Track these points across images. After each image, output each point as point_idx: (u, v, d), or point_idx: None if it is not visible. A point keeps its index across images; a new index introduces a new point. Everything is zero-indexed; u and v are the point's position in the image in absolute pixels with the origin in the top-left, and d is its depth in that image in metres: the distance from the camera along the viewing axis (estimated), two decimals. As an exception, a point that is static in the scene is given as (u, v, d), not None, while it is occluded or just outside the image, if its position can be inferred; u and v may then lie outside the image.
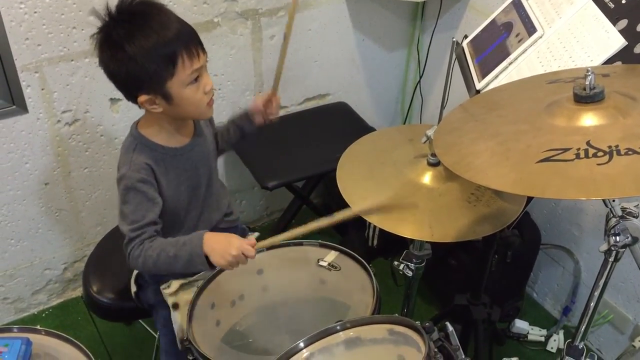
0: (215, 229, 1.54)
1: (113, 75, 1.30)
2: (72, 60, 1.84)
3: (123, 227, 1.33)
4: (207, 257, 1.27)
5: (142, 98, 1.28)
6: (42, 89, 1.84)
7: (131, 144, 1.37)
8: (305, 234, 1.29)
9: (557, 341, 2.12)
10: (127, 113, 2.02)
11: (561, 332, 2.14)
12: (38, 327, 1.30)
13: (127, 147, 1.37)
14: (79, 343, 1.25)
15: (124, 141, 1.40)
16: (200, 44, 1.29)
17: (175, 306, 1.45)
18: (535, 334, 2.13)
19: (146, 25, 1.23)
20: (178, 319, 1.44)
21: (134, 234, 1.31)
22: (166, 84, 1.26)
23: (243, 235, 1.63)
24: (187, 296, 1.45)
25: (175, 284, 1.46)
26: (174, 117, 1.37)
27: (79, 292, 2.27)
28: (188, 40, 1.26)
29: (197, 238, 1.29)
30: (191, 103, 1.31)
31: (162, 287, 1.46)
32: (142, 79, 1.25)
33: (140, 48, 1.22)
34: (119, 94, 1.93)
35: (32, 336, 1.26)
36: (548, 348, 2.11)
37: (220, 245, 1.27)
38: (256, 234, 1.63)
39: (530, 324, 2.13)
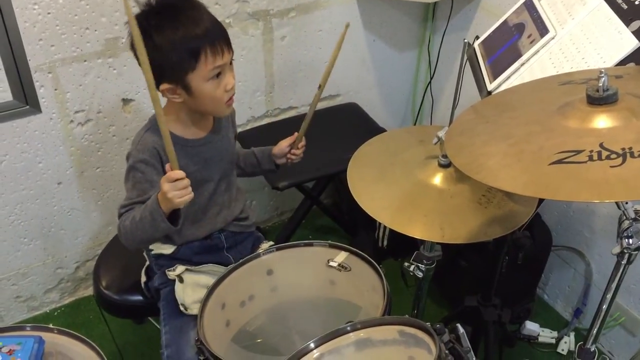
0: (228, 232, 1.57)
1: (139, 60, 1.32)
2: (85, 61, 1.86)
3: (121, 203, 1.39)
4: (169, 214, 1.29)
5: (164, 86, 1.32)
6: (55, 89, 1.86)
7: (145, 125, 1.41)
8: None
9: (567, 343, 2.10)
10: (139, 114, 2.03)
11: (572, 334, 2.13)
12: (50, 325, 1.31)
13: (141, 128, 1.42)
14: (90, 342, 1.26)
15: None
16: (227, 41, 1.32)
17: (180, 279, 1.48)
18: (546, 335, 2.12)
19: (176, 19, 1.27)
20: (182, 289, 1.48)
21: (123, 210, 1.36)
22: (187, 76, 1.30)
23: (257, 242, 1.65)
24: (191, 278, 1.49)
25: (180, 268, 1.49)
26: (193, 110, 1.40)
27: (90, 291, 2.29)
28: (214, 37, 1.30)
29: (154, 197, 1.30)
30: (210, 98, 1.34)
31: (167, 270, 1.50)
32: (164, 68, 1.28)
33: (167, 39, 1.26)
34: (131, 95, 1.98)
35: (44, 335, 1.27)
36: (559, 350, 2.10)
37: (162, 194, 1.27)
38: (270, 242, 1.64)
39: (541, 326, 2.12)
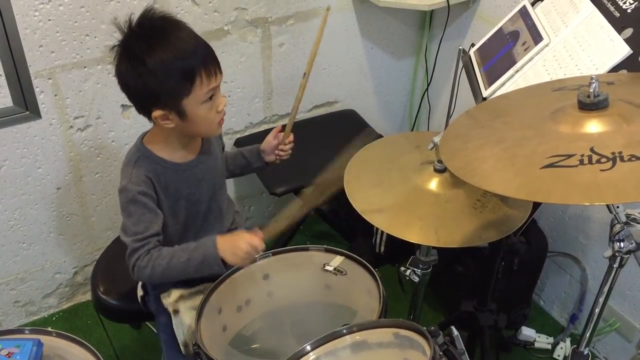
0: None
1: (129, 87, 1.30)
2: (84, 67, 1.87)
3: (125, 239, 1.34)
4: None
5: (157, 113, 1.28)
6: (55, 95, 1.87)
7: (133, 155, 1.38)
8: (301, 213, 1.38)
9: (564, 349, 2.11)
10: (138, 119, 2.01)
11: (568, 340, 2.13)
12: (49, 328, 1.32)
13: (129, 159, 1.38)
14: (89, 345, 1.26)
15: (128, 152, 1.41)
16: (217, 63, 1.30)
17: (176, 312, 1.45)
18: (542, 341, 2.12)
19: (166, 41, 1.24)
20: (179, 323, 1.45)
21: (138, 245, 1.32)
22: (182, 101, 1.27)
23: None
24: (187, 304, 1.46)
25: (175, 294, 1.47)
26: (184, 134, 1.38)
27: (88, 296, 2.29)
28: (207, 59, 1.27)
29: (210, 240, 1.32)
30: (203, 121, 1.32)
31: (162, 295, 1.47)
32: (159, 94, 1.25)
33: (161, 62, 1.22)
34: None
35: (43, 338, 1.27)
36: (555, 356, 2.10)
37: (230, 244, 1.30)
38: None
39: (537, 332, 2.13)
